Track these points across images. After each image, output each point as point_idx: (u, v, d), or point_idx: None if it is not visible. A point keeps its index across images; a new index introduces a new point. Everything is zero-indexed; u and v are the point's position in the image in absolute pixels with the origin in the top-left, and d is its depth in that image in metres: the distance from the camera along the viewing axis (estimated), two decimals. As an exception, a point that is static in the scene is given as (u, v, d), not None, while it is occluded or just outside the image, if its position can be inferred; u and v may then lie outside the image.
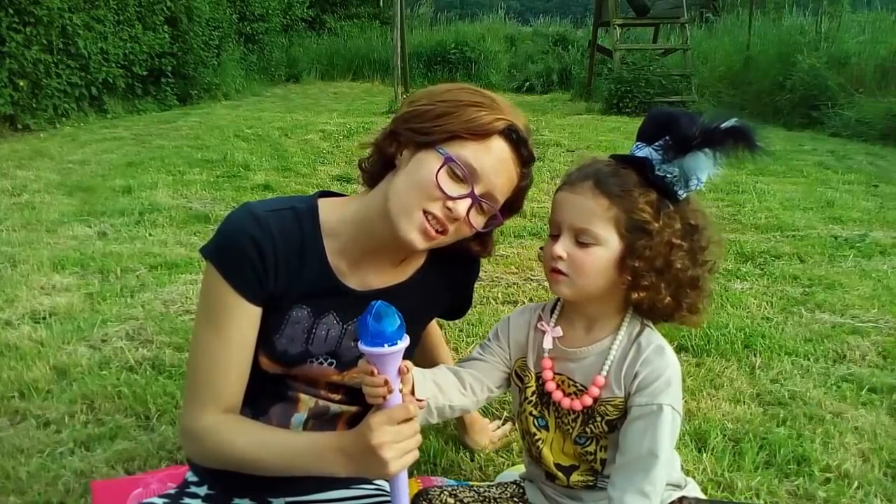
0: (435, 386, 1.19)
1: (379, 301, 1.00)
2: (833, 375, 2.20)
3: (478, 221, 1.16)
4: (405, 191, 1.12)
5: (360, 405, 1.26)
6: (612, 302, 1.18)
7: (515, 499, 1.34)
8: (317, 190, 1.32)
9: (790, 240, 3.63)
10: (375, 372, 1.01)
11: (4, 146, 6.01)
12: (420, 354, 1.48)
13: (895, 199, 4.49)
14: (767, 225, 3.89)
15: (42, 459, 1.74)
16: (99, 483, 1.62)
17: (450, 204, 1.11)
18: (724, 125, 1.07)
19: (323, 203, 1.23)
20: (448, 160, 1.10)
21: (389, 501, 1.11)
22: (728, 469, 1.72)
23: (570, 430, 1.22)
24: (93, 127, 7.29)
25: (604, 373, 1.17)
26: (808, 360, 2.32)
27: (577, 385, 1.20)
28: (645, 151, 1.12)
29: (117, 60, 8.05)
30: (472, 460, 1.79)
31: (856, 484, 1.67)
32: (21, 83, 6.56)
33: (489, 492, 1.35)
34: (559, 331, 1.22)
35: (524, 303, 2.68)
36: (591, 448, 1.21)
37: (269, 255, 1.13)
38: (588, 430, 1.20)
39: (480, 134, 1.12)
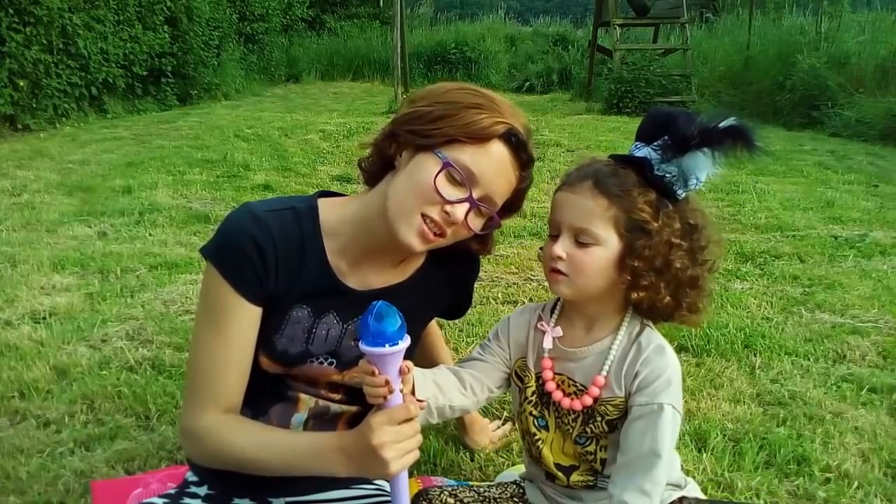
0: (435, 386, 1.19)
1: (380, 301, 1.00)
2: (833, 375, 2.20)
3: (476, 224, 1.16)
4: (404, 194, 1.12)
5: (360, 405, 1.27)
6: (611, 302, 1.18)
7: (515, 499, 1.34)
8: (317, 190, 1.32)
9: (790, 240, 3.63)
10: (376, 372, 1.01)
11: (4, 146, 6.01)
12: (419, 354, 1.48)
13: (895, 199, 4.49)
14: (767, 225, 3.89)
15: (42, 459, 1.74)
16: (99, 483, 1.62)
17: (448, 208, 1.11)
18: (722, 124, 1.07)
19: (323, 203, 1.23)
20: (446, 165, 1.10)
21: (390, 501, 1.11)
22: (728, 469, 1.72)
23: (571, 430, 1.22)
24: (93, 127, 7.29)
25: (604, 372, 1.17)
26: (808, 360, 2.32)
27: (578, 385, 1.20)
28: (644, 151, 1.12)
29: (117, 60, 8.05)
30: (472, 460, 1.79)
31: (856, 484, 1.67)
32: (21, 83, 6.56)
33: (489, 492, 1.35)
34: (559, 331, 1.22)
35: (524, 303, 2.68)
36: (592, 448, 1.21)
37: (269, 254, 1.13)
38: (588, 429, 1.20)
39: (479, 138, 1.11)
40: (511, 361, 1.29)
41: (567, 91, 11.71)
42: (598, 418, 1.19)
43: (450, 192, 1.11)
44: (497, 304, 2.80)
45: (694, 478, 1.54)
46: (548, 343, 1.22)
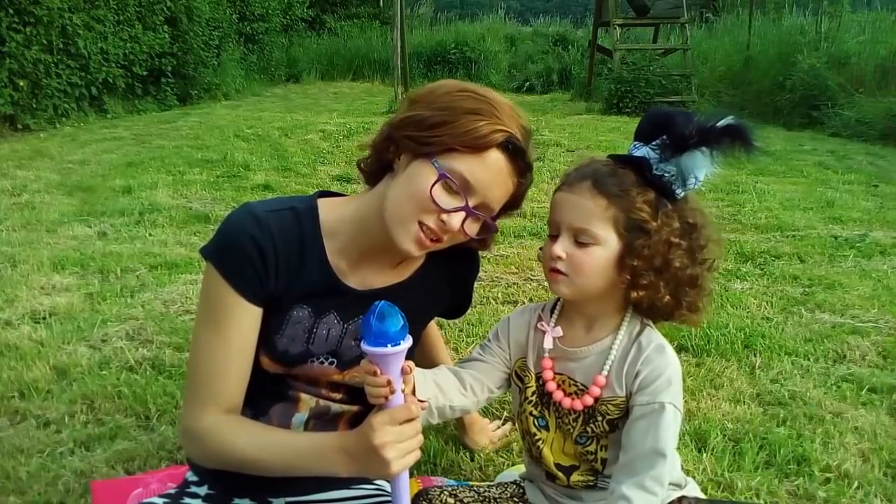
0: (435, 386, 1.19)
1: (382, 301, 1.01)
2: (833, 375, 2.20)
3: (472, 229, 1.16)
4: (401, 201, 1.13)
5: (361, 405, 1.27)
6: (611, 301, 1.18)
7: (515, 499, 1.34)
8: (317, 190, 1.32)
9: (790, 240, 3.63)
10: (378, 372, 1.01)
11: (4, 146, 6.01)
12: (419, 354, 1.47)
13: (895, 199, 4.49)
14: (767, 225, 3.89)
15: (42, 459, 1.74)
16: (99, 483, 1.62)
17: (444, 217, 1.11)
18: (720, 124, 1.07)
19: (322, 203, 1.23)
20: (442, 176, 1.10)
21: (390, 501, 1.11)
22: (728, 469, 1.72)
23: (571, 430, 1.22)
24: (93, 127, 7.30)
25: (605, 372, 1.18)
26: (808, 360, 2.32)
27: (578, 385, 1.20)
28: (642, 151, 1.12)
29: (117, 60, 8.05)
30: (472, 460, 1.79)
31: (856, 484, 1.67)
32: (21, 83, 6.56)
33: (489, 492, 1.35)
34: (559, 331, 1.22)
35: (524, 303, 2.68)
36: (592, 448, 1.21)
37: (269, 254, 1.13)
38: (589, 429, 1.21)
39: (477, 147, 1.10)
40: (511, 362, 1.29)
41: (567, 91, 11.70)
42: (599, 418, 1.19)
43: (446, 201, 1.11)
44: (497, 304, 2.80)
45: (694, 478, 1.54)
46: (548, 343, 1.22)
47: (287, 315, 1.19)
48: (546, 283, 1.23)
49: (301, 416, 1.25)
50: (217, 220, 3.81)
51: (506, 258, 3.31)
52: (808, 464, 1.74)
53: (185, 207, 4.15)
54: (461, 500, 1.29)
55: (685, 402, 1.93)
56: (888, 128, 6.64)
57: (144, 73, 8.63)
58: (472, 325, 2.55)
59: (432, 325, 1.65)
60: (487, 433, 1.85)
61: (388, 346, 0.98)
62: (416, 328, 1.29)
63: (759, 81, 8.59)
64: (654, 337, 1.18)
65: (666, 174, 1.10)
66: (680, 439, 1.78)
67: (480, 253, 1.41)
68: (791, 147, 6.39)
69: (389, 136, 1.17)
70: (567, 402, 1.20)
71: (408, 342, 1.00)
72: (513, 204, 1.21)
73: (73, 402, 2.00)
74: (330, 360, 1.23)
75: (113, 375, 2.15)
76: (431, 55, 13.77)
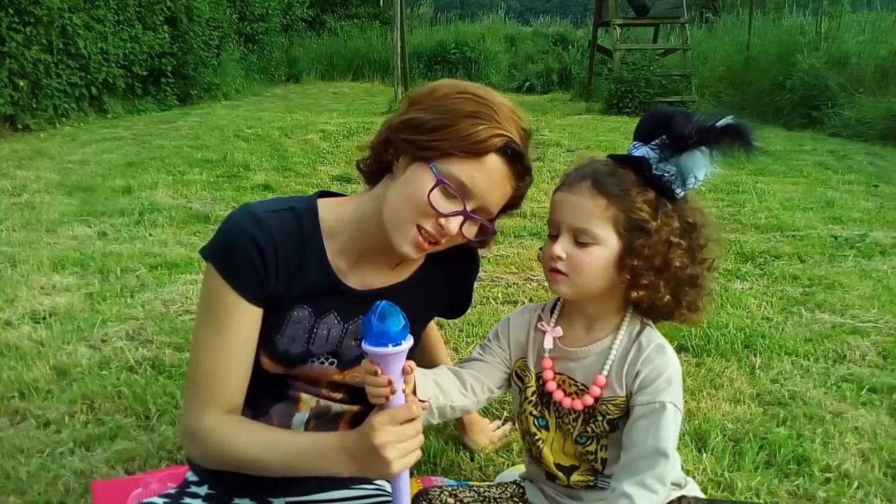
0: (436, 386, 1.19)
1: (383, 301, 1.00)
2: (833, 375, 2.20)
3: (470, 232, 1.17)
4: (399, 205, 1.13)
5: (361, 404, 1.27)
6: (611, 301, 1.18)
7: (515, 499, 1.34)
8: (316, 190, 1.32)
9: (790, 240, 3.63)
10: (379, 372, 1.01)
11: (4, 146, 6.01)
12: (418, 354, 1.47)
13: (895, 199, 4.49)
14: (767, 225, 3.89)
15: (42, 459, 1.74)
16: (99, 483, 1.62)
17: (442, 221, 1.12)
18: (719, 123, 1.07)
19: (322, 203, 1.23)
20: (440, 182, 1.10)
21: (390, 502, 1.11)
22: (728, 469, 1.72)
23: (571, 430, 1.22)
24: (93, 127, 7.29)
25: (605, 372, 1.18)
26: (808, 360, 2.32)
27: (578, 384, 1.20)
28: (642, 151, 1.12)
29: (117, 60, 8.05)
30: (472, 460, 1.79)
31: (856, 484, 1.67)
32: (21, 83, 6.56)
33: (489, 492, 1.35)
34: (559, 331, 1.22)
35: (524, 303, 2.68)
36: (592, 447, 1.21)
37: (269, 255, 1.13)
38: (589, 429, 1.21)
39: (475, 152, 1.10)
40: (511, 362, 1.29)
41: (567, 91, 11.70)
42: (599, 418, 1.19)
43: (444, 205, 1.11)
44: (497, 304, 2.80)
45: (694, 478, 1.54)
46: (548, 343, 1.22)
47: (287, 315, 1.19)
48: (546, 283, 1.23)
49: (301, 416, 1.25)
50: (217, 220, 3.81)
51: (506, 258, 3.31)
52: (808, 464, 1.74)
53: (185, 207, 4.15)
54: (461, 500, 1.30)
55: (685, 402, 1.93)
56: (888, 128, 6.64)
57: (144, 73, 8.63)
58: (472, 325, 2.55)
59: (432, 326, 1.66)
60: (487, 433, 1.85)
61: (390, 346, 0.98)
62: (416, 328, 1.29)
63: (759, 81, 8.60)
64: (654, 336, 1.18)
65: (665, 174, 1.10)
66: (680, 439, 1.78)
67: (480, 253, 1.41)
68: (791, 147, 6.39)
69: (388, 139, 1.17)
70: (567, 401, 1.20)
71: (409, 342, 1.00)
72: (512, 204, 1.21)
73: (73, 402, 2.00)
74: (330, 360, 1.23)
75: (113, 375, 2.15)
76: (431, 55, 13.77)
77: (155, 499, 1.25)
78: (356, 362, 1.23)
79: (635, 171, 1.12)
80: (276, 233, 1.15)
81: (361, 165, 1.25)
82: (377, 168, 1.22)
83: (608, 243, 1.12)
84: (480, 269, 1.45)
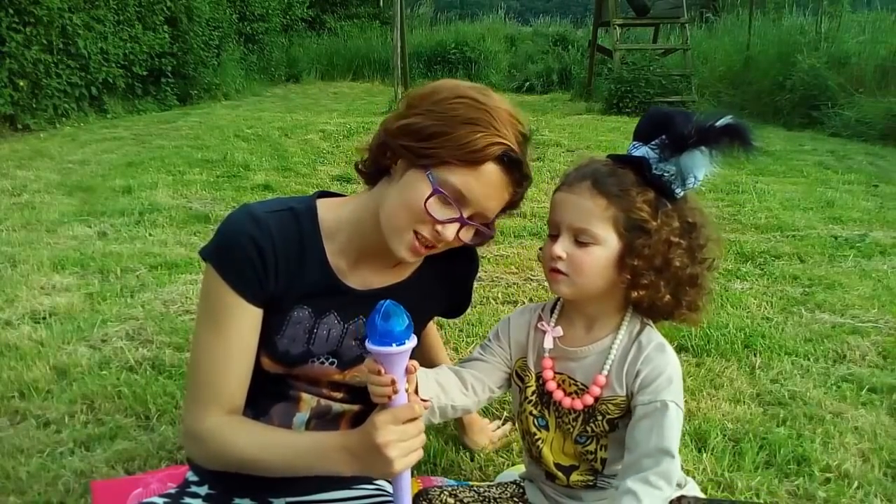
0: (437, 386, 1.19)
1: (387, 300, 1.01)
2: (833, 375, 2.20)
3: (467, 236, 1.17)
4: (396, 211, 1.13)
5: (362, 404, 1.27)
6: (611, 301, 1.18)
7: (515, 499, 1.34)
8: (316, 190, 1.32)
9: (790, 240, 3.63)
10: (382, 371, 1.01)
11: (4, 146, 6.01)
12: (418, 354, 1.48)
13: (895, 199, 4.49)
14: (767, 225, 3.89)
15: (42, 459, 1.74)
16: (99, 483, 1.62)
17: (439, 227, 1.12)
18: (719, 123, 1.08)
19: (321, 203, 1.23)
20: (437, 191, 1.10)
21: (391, 502, 1.11)
22: (728, 469, 1.72)
23: (571, 430, 1.22)
24: (93, 127, 7.29)
25: (605, 371, 1.18)
26: (808, 360, 2.32)
27: (578, 384, 1.20)
28: (642, 151, 1.12)
29: (117, 60, 8.05)
30: (472, 460, 1.79)
31: (856, 484, 1.67)
32: (21, 83, 6.56)
33: (489, 492, 1.35)
34: (559, 330, 1.23)
35: (524, 303, 2.68)
36: (592, 447, 1.21)
37: (269, 255, 1.14)
38: (589, 429, 1.21)
39: (473, 161, 1.10)
40: (511, 361, 1.29)
41: (567, 91, 11.70)
42: (599, 417, 1.19)
43: (441, 212, 1.11)
44: (497, 304, 2.80)
45: (694, 478, 1.54)
46: (548, 343, 1.22)
47: (287, 315, 1.19)
48: (546, 283, 1.23)
49: (302, 415, 1.25)
50: (217, 220, 3.81)
51: (506, 258, 3.31)
52: (808, 464, 1.74)
53: (185, 207, 4.15)
54: (461, 500, 1.30)
55: (685, 402, 1.92)
56: (888, 128, 6.64)
57: (144, 73, 8.63)
58: (472, 325, 2.55)
59: (431, 326, 1.66)
60: (487, 433, 1.85)
61: (393, 345, 0.98)
62: (416, 328, 1.29)
63: (759, 81, 8.59)
64: (653, 336, 1.18)
65: (665, 174, 1.10)
66: (680, 439, 1.78)
67: (480, 253, 1.41)
68: (791, 147, 6.39)
69: (386, 143, 1.17)
70: (567, 401, 1.20)
71: (412, 341, 1.00)
72: (511, 206, 1.21)
73: (73, 402, 2.00)
74: (330, 360, 1.23)
75: (113, 375, 2.15)
76: (431, 55, 13.77)
77: (155, 499, 1.25)
78: (356, 362, 1.23)
79: (635, 171, 1.12)
80: (276, 233, 1.15)
81: (360, 166, 1.25)
82: (375, 170, 1.22)
83: (608, 243, 1.12)
84: (480, 268, 1.45)
